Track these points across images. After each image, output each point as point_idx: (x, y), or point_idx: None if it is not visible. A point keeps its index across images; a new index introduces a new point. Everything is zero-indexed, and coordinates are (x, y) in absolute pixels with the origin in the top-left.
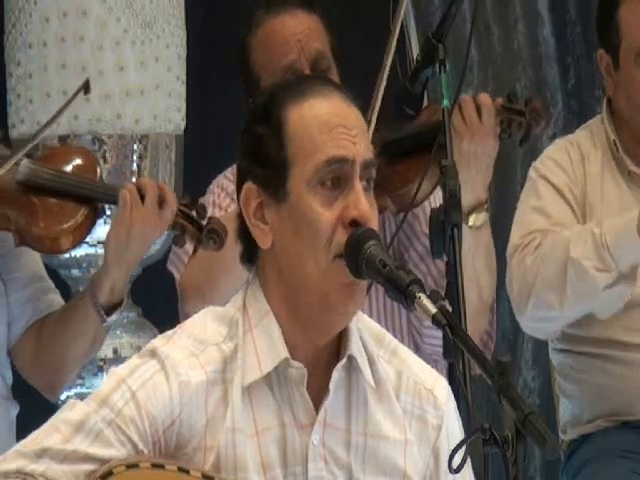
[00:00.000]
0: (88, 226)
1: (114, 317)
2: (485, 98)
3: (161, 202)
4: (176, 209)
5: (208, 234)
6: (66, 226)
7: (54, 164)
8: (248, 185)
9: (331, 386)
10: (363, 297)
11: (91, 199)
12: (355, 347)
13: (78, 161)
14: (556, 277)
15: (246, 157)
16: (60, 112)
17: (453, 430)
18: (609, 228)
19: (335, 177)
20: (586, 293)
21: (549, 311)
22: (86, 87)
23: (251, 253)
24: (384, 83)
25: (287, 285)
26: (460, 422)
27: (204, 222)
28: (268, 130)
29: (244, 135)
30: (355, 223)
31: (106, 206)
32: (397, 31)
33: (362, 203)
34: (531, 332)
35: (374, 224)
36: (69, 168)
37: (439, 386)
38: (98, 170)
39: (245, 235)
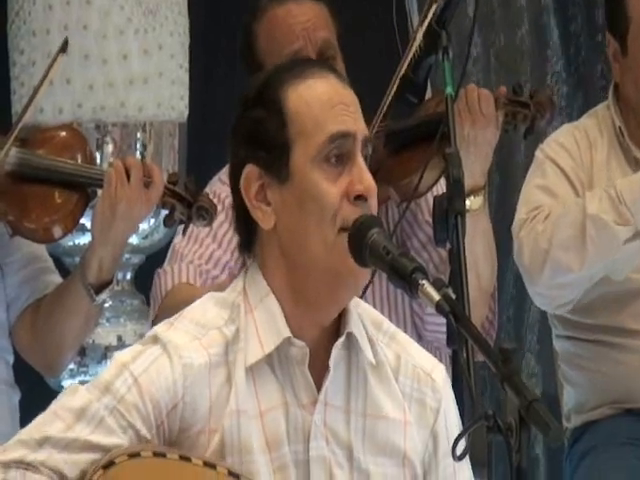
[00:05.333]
0: (80, 212)
1: (104, 295)
2: (485, 92)
3: (148, 182)
4: (162, 189)
5: (198, 211)
6: (58, 215)
7: (43, 149)
8: (248, 168)
9: (331, 363)
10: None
11: (82, 184)
12: (354, 325)
13: (67, 143)
14: (574, 237)
15: (243, 143)
16: (44, 78)
17: (450, 414)
18: (624, 185)
19: (339, 153)
20: (607, 248)
21: (567, 273)
22: (64, 47)
23: (249, 239)
24: (398, 81)
25: (291, 265)
26: (456, 407)
27: (193, 199)
28: (266, 112)
29: (239, 122)
30: (360, 197)
31: (98, 190)
32: (424, 28)
33: (366, 177)
34: (542, 303)
35: (376, 199)
36: (59, 152)
37: (437, 370)
38: (88, 149)
39: (242, 221)
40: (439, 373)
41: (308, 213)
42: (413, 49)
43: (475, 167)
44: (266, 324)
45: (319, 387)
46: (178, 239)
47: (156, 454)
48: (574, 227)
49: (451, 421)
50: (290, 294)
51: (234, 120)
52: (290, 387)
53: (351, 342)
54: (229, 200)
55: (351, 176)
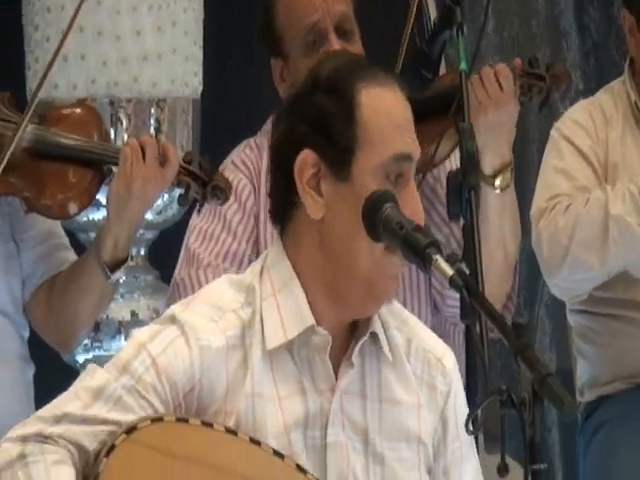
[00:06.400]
0: (95, 190)
1: (119, 274)
2: (503, 68)
3: (163, 161)
4: (177, 168)
5: (212, 190)
6: (73, 192)
7: (59, 127)
8: (307, 153)
9: (354, 359)
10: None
11: (97, 162)
12: (377, 323)
13: (83, 121)
14: (595, 237)
15: (305, 124)
16: (68, 29)
17: (459, 399)
18: None
19: (398, 173)
20: (629, 249)
21: (587, 271)
22: None
23: (284, 210)
24: (404, 50)
25: (330, 259)
26: (464, 393)
27: (208, 178)
28: (337, 106)
29: (302, 100)
30: None
31: (113, 168)
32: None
33: (417, 203)
34: (559, 293)
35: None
36: (74, 130)
37: (447, 355)
38: (103, 127)
39: (281, 193)
40: (449, 358)
41: (361, 223)
42: (414, 11)
43: (502, 145)
44: (290, 309)
45: (335, 373)
46: (192, 239)
47: (179, 419)
48: (596, 226)
49: (460, 406)
50: (321, 286)
51: (296, 92)
52: (308, 374)
53: (373, 338)
54: (242, 185)
55: (404, 200)
